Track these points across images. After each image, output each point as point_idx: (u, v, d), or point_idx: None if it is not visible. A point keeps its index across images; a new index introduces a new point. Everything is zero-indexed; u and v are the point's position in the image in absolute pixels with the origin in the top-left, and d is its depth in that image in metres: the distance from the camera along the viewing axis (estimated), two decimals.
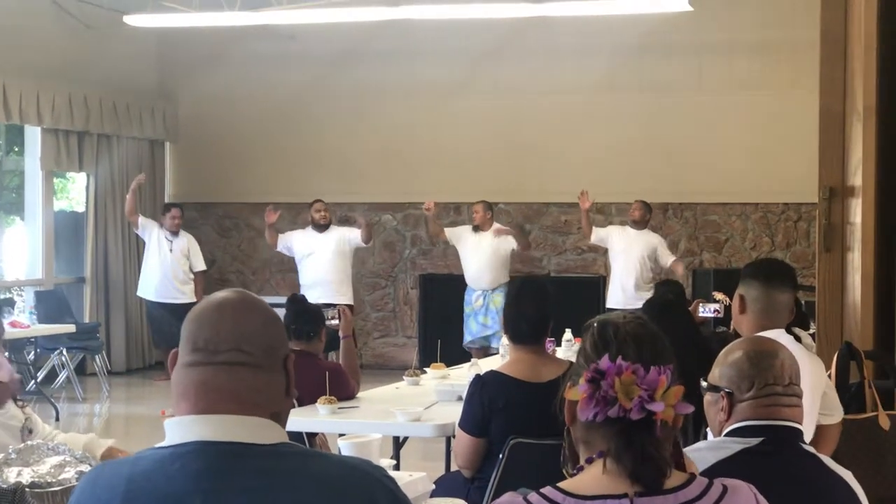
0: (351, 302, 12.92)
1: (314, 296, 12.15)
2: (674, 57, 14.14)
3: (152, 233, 13.42)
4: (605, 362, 2.24)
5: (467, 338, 12.64)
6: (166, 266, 13.38)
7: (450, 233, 12.90)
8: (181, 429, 2.17)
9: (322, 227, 12.66)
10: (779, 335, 4.20)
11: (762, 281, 4.46)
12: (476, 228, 12.69)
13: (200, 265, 13.70)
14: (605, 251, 13.18)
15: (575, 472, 2.33)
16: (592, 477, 2.27)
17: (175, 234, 13.42)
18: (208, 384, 2.17)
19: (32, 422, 4.02)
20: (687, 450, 2.77)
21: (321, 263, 12.59)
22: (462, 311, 12.91)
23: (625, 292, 12.29)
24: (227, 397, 2.16)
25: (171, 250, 13.40)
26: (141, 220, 13.37)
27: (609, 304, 12.36)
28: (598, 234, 12.60)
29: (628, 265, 12.36)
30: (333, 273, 12.63)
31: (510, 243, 12.61)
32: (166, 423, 2.19)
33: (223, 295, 2.28)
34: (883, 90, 5.31)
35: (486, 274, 12.55)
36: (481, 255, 12.58)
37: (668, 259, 12.44)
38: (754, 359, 3.09)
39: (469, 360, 7.77)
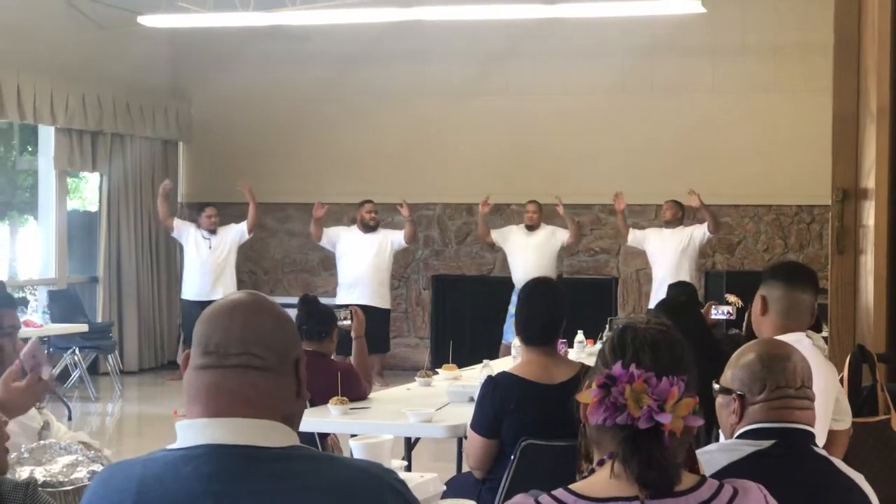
0: (388, 306, 13.01)
1: (352, 296, 12.24)
2: (687, 58, 14.13)
3: (189, 234, 13.35)
4: (617, 368, 2.24)
5: (509, 337, 12.65)
6: (207, 265, 13.27)
7: (496, 234, 12.97)
8: (192, 431, 2.17)
9: (370, 229, 12.76)
10: (799, 338, 4.19)
11: (785, 281, 4.44)
12: (530, 228, 12.78)
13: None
14: (617, 252, 13.17)
15: (587, 472, 2.33)
16: (602, 479, 2.27)
17: (213, 232, 13.31)
18: (220, 388, 2.18)
19: (49, 425, 4.03)
20: (699, 452, 2.77)
21: (362, 264, 12.70)
22: (477, 313, 12.94)
23: (660, 293, 12.31)
24: (238, 400, 2.17)
25: (210, 247, 13.31)
26: (176, 222, 13.34)
27: (650, 306, 12.36)
28: (634, 236, 12.65)
29: (666, 265, 12.36)
30: (373, 274, 12.74)
31: (560, 238, 12.71)
32: (178, 425, 2.19)
33: (235, 297, 2.28)
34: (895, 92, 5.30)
35: (536, 272, 12.53)
36: (529, 255, 12.68)
37: (703, 230, 12.44)
38: (766, 361, 3.09)
39: (481, 362, 7.77)
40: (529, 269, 12.45)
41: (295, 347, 2.29)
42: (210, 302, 12.31)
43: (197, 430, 2.17)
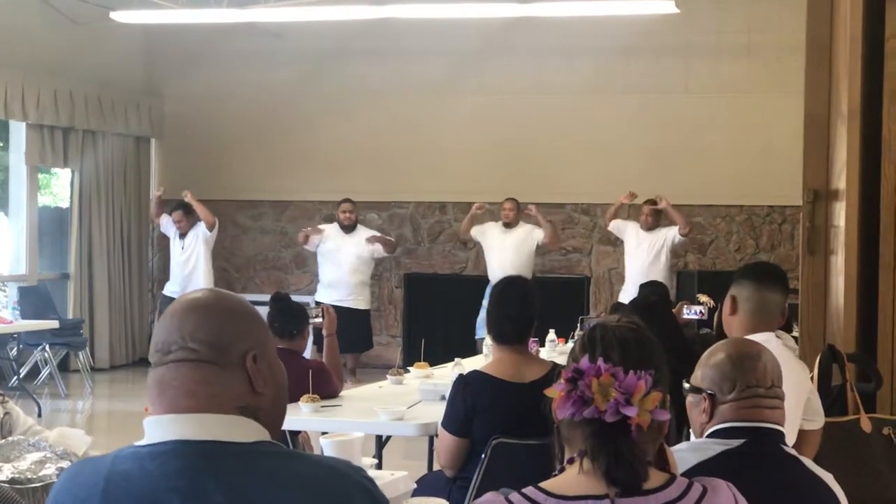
0: (368, 307, 12.99)
1: (333, 296, 12.23)
2: (660, 59, 14.16)
3: (171, 231, 13.42)
4: (585, 362, 2.26)
5: (481, 333, 12.67)
6: (179, 264, 13.36)
7: (475, 230, 12.95)
8: (159, 427, 2.17)
9: (349, 228, 12.75)
10: (768, 339, 4.20)
11: (754, 281, 4.46)
12: (507, 226, 12.78)
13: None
14: (590, 251, 13.21)
15: (558, 471, 2.34)
16: (571, 477, 2.28)
17: (183, 236, 13.35)
18: (162, 383, 2.19)
19: (13, 417, 4.01)
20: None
21: (343, 264, 12.68)
22: (449, 311, 12.94)
23: (629, 289, 12.42)
24: (181, 393, 2.17)
25: (182, 247, 13.36)
26: (162, 218, 13.44)
27: (620, 299, 12.46)
28: (616, 224, 12.71)
29: (638, 263, 12.46)
30: (353, 274, 12.72)
31: (536, 237, 12.73)
32: (145, 421, 2.20)
33: (188, 296, 2.30)
34: (866, 94, 5.32)
35: (512, 270, 12.56)
36: (506, 252, 12.69)
37: (675, 233, 12.51)
38: (736, 360, 3.10)
39: (453, 360, 7.77)
40: (506, 266, 12.48)
41: (241, 342, 2.24)
42: None
43: (163, 426, 2.17)
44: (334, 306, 8.05)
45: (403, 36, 14.41)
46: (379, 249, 12.85)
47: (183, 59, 15.36)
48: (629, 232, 12.69)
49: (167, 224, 13.45)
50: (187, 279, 13.19)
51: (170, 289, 13.37)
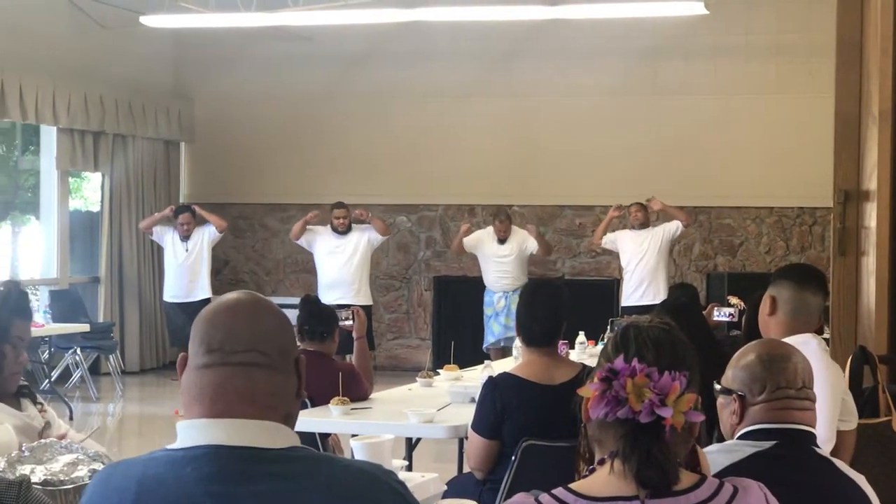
0: (370, 303, 12.96)
1: (333, 296, 12.19)
2: (689, 60, 14.13)
3: (167, 237, 13.47)
4: (619, 362, 2.25)
5: (489, 339, 12.69)
6: (183, 268, 13.39)
7: (467, 243, 12.90)
8: (193, 431, 2.16)
9: (342, 233, 12.72)
10: (807, 340, 4.18)
11: (795, 283, 4.43)
12: (502, 241, 12.73)
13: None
14: (619, 254, 13.16)
15: (588, 472, 2.34)
16: (602, 478, 2.28)
17: (187, 238, 13.40)
18: (225, 386, 2.17)
19: (51, 425, 4.04)
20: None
21: (341, 264, 12.64)
22: (479, 314, 12.93)
23: (637, 292, 12.37)
24: (244, 399, 2.16)
25: (186, 250, 13.41)
26: (155, 229, 13.47)
27: (624, 304, 12.45)
28: (607, 238, 12.68)
29: (644, 265, 12.43)
30: (351, 274, 12.69)
31: (531, 246, 12.68)
32: (178, 425, 2.18)
33: (234, 296, 2.27)
34: None
35: (507, 277, 12.62)
36: (501, 261, 12.68)
37: (676, 226, 12.50)
38: (767, 362, 3.09)
39: (483, 362, 7.77)
40: (503, 273, 12.58)
41: (294, 346, 2.29)
42: (188, 304, 12.42)
43: (198, 430, 2.16)
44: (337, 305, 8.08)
45: (433, 39, 14.41)
46: (375, 237, 12.77)
47: (212, 62, 15.41)
48: (624, 238, 12.64)
49: (160, 233, 13.48)
50: (192, 282, 13.29)
51: (171, 294, 13.47)
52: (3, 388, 3.98)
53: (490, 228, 12.93)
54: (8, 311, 4.00)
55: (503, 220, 12.75)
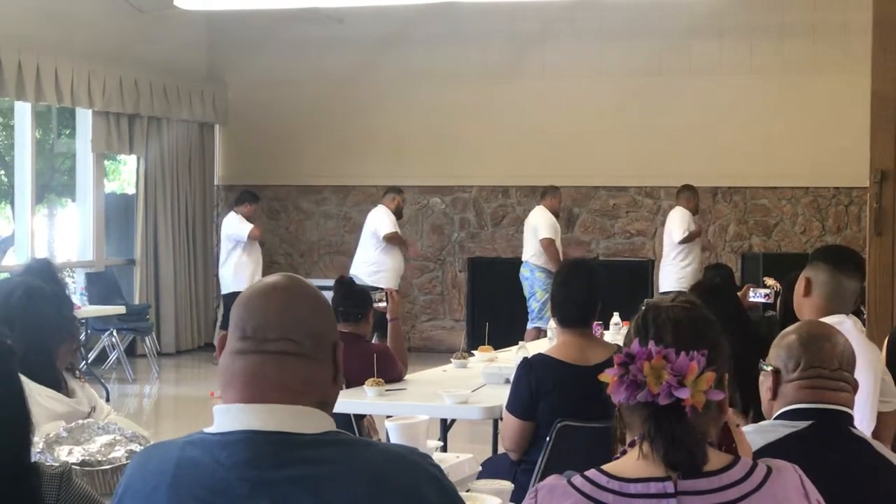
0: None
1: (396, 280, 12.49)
2: (724, 40, 14.05)
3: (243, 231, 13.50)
4: (635, 346, 2.24)
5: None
6: (252, 260, 13.49)
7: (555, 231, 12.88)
8: (229, 416, 2.17)
9: (401, 216, 12.93)
10: (841, 321, 4.16)
11: (832, 266, 4.40)
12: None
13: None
14: (653, 235, 13.17)
15: (620, 454, 2.34)
16: (632, 460, 2.28)
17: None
18: (257, 374, 2.17)
19: (96, 409, 4.06)
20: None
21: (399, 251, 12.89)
22: (513, 295, 12.99)
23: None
24: (275, 387, 2.16)
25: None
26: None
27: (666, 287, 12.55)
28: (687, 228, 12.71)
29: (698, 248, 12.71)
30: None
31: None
32: (215, 409, 2.20)
33: (272, 280, 2.27)
34: None
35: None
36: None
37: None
38: (806, 340, 3.09)
39: (517, 343, 7.77)
40: None
41: (332, 332, 2.28)
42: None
43: (233, 415, 2.17)
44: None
45: (465, 20, 14.39)
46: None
47: (246, 45, 15.43)
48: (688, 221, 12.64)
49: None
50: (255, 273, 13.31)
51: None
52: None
53: (541, 208, 12.89)
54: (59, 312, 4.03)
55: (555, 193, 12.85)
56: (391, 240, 12.73)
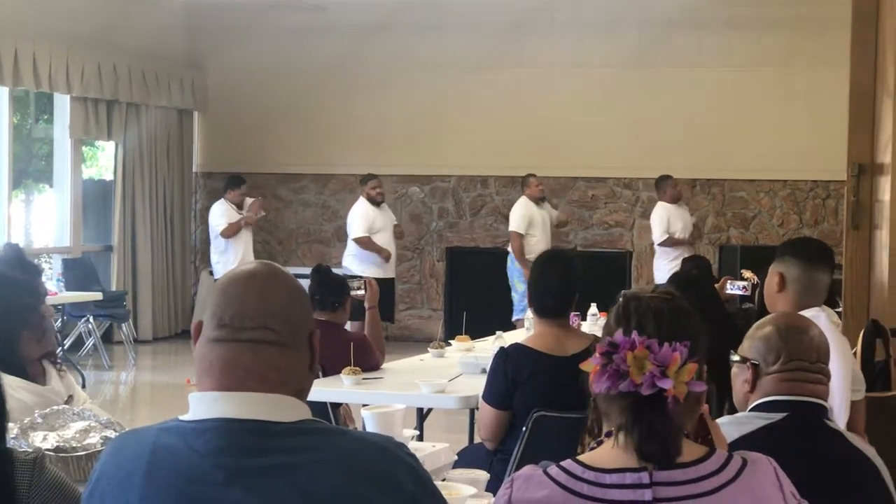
0: (394, 275, 13.02)
1: (388, 270, 12.35)
2: (703, 32, 14.07)
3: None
4: (619, 336, 2.25)
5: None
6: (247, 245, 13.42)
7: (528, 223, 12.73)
8: (204, 404, 2.17)
9: (378, 203, 12.65)
10: (816, 314, 4.18)
11: (804, 261, 4.41)
12: (540, 202, 12.74)
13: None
14: (632, 226, 13.15)
15: (595, 445, 2.34)
16: (608, 450, 2.28)
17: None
18: (232, 362, 2.17)
19: (73, 398, 4.04)
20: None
21: (387, 238, 12.63)
22: (491, 285, 12.97)
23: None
24: (252, 376, 2.16)
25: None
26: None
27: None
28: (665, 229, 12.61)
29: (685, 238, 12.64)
30: (393, 247, 12.72)
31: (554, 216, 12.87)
32: (190, 396, 2.19)
33: (250, 268, 2.26)
34: None
35: (545, 244, 12.45)
36: (545, 228, 12.67)
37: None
38: (784, 333, 3.10)
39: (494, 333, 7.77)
40: (544, 240, 12.51)
41: (309, 320, 2.27)
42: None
43: (208, 403, 2.16)
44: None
45: (446, 10, 14.38)
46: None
47: (225, 32, 15.39)
48: (673, 219, 12.54)
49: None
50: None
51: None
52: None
53: (522, 199, 12.79)
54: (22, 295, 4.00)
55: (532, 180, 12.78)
56: (362, 244, 12.61)
